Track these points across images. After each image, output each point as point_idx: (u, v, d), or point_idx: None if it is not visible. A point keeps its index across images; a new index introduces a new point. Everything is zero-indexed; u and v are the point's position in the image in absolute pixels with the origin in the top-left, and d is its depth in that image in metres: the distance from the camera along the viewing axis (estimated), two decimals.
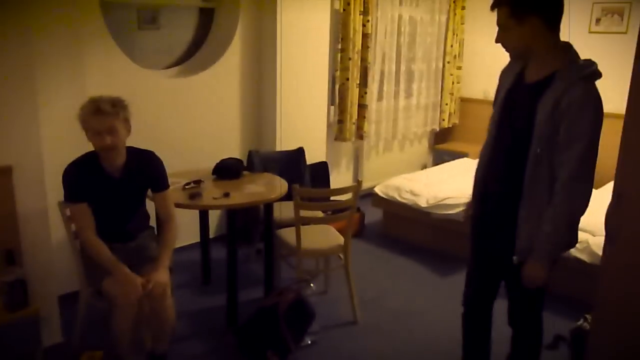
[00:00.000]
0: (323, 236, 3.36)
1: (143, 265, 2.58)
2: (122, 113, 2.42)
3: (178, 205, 2.86)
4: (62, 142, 3.00)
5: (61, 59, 3.16)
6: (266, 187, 3.29)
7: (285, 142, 4.51)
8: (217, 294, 3.58)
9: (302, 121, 4.64)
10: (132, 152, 2.58)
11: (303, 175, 4.12)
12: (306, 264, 3.35)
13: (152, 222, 2.89)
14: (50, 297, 2.83)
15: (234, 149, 4.45)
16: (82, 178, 2.47)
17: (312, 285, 3.19)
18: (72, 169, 2.47)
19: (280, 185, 3.32)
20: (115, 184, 2.53)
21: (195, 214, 3.64)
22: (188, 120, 4.12)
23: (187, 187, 3.15)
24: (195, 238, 3.86)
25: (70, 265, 2.79)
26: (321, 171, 4.59)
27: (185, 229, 3.44)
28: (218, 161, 3.51)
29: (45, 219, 2.74)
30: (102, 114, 2.35)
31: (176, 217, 2.67)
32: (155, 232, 2.86)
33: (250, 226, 4.02)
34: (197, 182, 3.22)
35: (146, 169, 2.59)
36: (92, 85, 3.27)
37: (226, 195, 3.04)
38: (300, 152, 4.17)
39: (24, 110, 2.57)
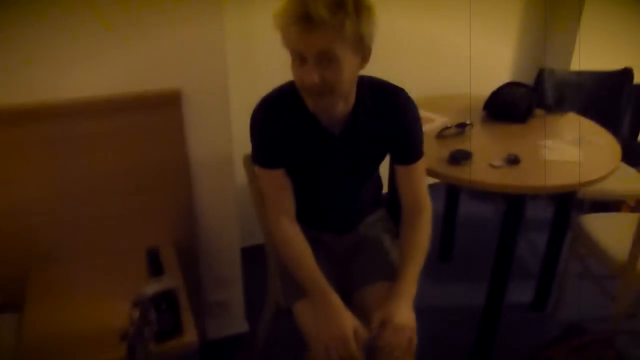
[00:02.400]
0: None
1: (369, 270, 1.52)
2: (352, 26, 1.17)
3: (432, 174, 1.68)
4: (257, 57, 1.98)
5: None
6: (578, 148, 1.88)
7: (588, 58, 2.90)
8: (461, 280, 2.45)
9: (619, 21, 2.94)
10: (368, 87, 1.38)
11: (622, 114, 2.55)
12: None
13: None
14: (233, 277, 1.99)
15: (506, 65, 3.01)
16: (280, 129, 1.37)
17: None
18: (265, 112, 1.37)
19: (611, 150, 1.89)
20: (334, 144, 1.41)
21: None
22: (439, 16, 2.76)
23: (445, 131, 1.93)
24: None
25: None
26: None
27: None
28: (493, 88, 2.19)
29: (230, 168, 1.81)
30: (312, 25, 1.15)
31: (430, 204, 1.49)
32: (388, 215, 1.73)
33: None
34: (461, 126, 1.97)
35: (389, 121, 1.40)
36: None
37: (512, 161, 1.74)
38: (624, 75, 2.56)
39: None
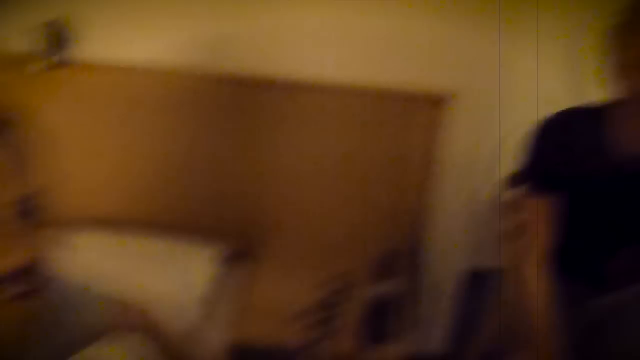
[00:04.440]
0: None
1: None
2: None
3: None
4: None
5: None
6: None
7: None
8: None
9: None
10: None
11: None
12: None
13: None
14: (450, 294, 1.83)
15: None
16: (577, 146, 1.15)
17: None
18: (564, 120, 1.16)
19: None
20: (625, 182, 1.14)
21: None
22: None
23: None
24: None
25: None
26: None
27: None
28: None
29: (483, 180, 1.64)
30: None
31: None
32: None
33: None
34: None
35: None
36: None
37: None
38: None
39: None
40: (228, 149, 1.62)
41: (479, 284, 1.83)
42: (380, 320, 1.28)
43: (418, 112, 1.52)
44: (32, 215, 0.53)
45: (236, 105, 1.55)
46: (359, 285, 1.17)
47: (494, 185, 1.60)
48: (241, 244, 1.68)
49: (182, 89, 1.55)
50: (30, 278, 0.52)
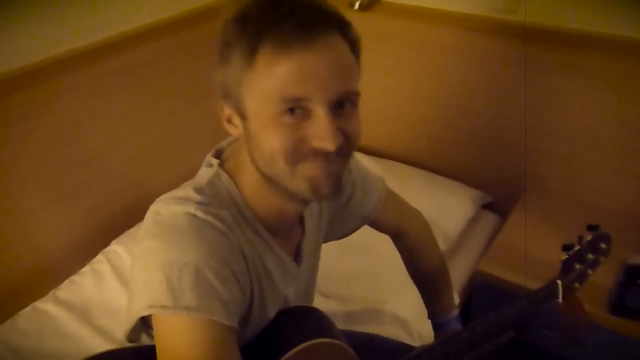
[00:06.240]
0: None
1: None
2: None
3: None
4: None
5: None
6: None
7: None
8: None
9: None
10: None
11: None
12: None
13: None
14: None
15: None
16: None
17: None
18: None
19: None
20: None
21: None
22: None
23: None
24: None
25: None
26: None
27: None
28: None
29: None
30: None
31: None
32: None
33: None
34: None
35: None
36: None
37: None
38: None
39: None
40: (505, 98, 1.70)
41: None
42: (632, 291, 1.29)
43: None
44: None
45: (521, 55, 1.59)
46: (620, 248, 1.19)
47: None
48: (501, 192, 1.78)
49: (474, 33, 1.65)
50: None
